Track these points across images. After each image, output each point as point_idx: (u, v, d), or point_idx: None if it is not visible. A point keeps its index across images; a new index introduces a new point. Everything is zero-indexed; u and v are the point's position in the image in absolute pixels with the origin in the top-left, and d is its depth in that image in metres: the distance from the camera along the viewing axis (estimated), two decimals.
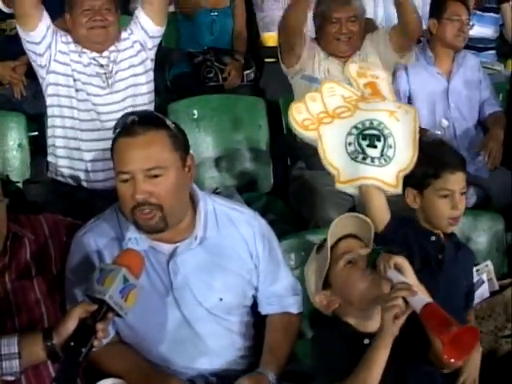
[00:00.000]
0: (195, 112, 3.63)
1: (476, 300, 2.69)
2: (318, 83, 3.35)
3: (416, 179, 2.37)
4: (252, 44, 4.48)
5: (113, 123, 2.16)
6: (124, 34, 3.14)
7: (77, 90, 3.06)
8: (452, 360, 1.75)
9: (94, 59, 3.08)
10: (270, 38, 4.37)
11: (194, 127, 3.61)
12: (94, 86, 3.07)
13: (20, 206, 2.65)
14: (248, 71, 4.29)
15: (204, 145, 3.66)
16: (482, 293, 2.74)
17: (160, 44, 4.52)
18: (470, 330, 1.77)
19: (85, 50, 3.06)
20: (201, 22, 4.39)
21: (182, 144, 2.13)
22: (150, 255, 2.13)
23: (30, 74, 3.84)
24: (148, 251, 2.13)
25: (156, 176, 2.04)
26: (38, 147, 3.55)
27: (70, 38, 3.08)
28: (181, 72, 4.09)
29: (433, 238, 2.39)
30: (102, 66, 3.08)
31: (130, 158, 2.05)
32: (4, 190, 2.13)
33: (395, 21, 4.44)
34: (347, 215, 2.12)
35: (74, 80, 3.05)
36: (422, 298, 1.80)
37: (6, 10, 3.95)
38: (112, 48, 3.10)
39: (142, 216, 2.05)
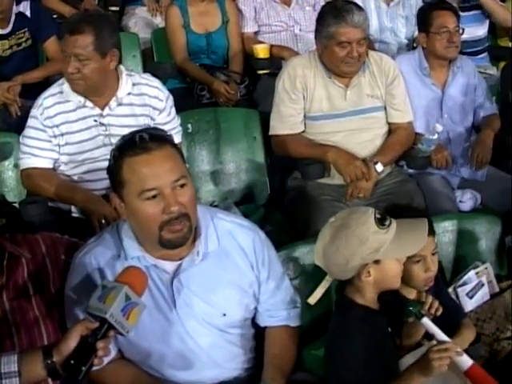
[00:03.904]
0: (189, 126, 3.62)
1: (477, 302, 2.72)
2: (322, 119, 3.37)
3: None
4: (245, 56, 4.47)
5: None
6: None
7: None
8: None
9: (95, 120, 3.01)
10: (263, 50, 4.37)
11: (188, 141, 3.60)
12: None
13: (16, 226, 2.65)
14: (241, 86, 4.29)
15: (199, 158, 3.66)
16: (482, 295, 2.74)
17: (152, 59, 4.60)
18: None
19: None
20: (194, 43, 4.38)
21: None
22: (152, 273, 2.11)
23: (24, 94, 3.87)
24: (151, 269, 2.11)
25: (182, 186, 2.03)
26: None
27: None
28: (174, 87, 4.08)
29: None
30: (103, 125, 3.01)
31: (155, 174, 2.01)
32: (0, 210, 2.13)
33: (388, 32, 4.51)
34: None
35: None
36: (466, 359, 2.01)
37: None
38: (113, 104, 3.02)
39: (175, 228, 2.02)
